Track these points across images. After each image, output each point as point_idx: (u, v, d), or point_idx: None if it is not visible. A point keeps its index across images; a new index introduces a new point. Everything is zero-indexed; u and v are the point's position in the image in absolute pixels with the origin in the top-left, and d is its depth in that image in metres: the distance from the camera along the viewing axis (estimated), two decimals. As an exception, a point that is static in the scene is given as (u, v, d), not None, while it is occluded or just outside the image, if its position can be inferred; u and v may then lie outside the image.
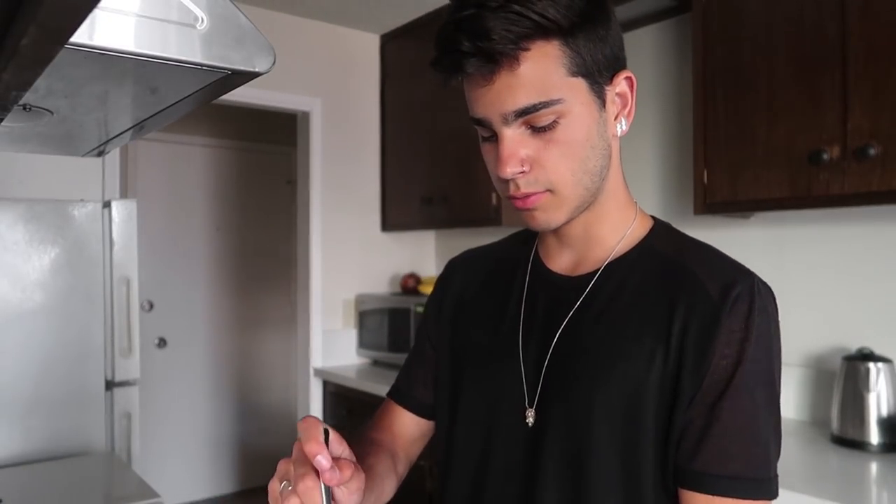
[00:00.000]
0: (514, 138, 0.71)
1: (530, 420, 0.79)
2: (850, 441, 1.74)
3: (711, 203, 1.93)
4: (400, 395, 0.96)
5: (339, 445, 0.67)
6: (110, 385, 2.24)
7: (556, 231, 0.80)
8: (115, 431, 2.25)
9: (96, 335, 2.19)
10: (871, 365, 1.74)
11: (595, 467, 0.73)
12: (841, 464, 1.66)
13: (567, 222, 0.77)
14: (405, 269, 3.46)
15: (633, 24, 2.46)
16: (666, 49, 2.42)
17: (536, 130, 0.71)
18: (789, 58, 1.76)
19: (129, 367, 2.28)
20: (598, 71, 0.72)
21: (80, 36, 0.64)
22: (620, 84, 0.75)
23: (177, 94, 0.86)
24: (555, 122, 0.70)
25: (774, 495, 0.70)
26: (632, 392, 0.72)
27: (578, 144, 0.72)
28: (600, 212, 0.79)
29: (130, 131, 1.13)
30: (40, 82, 0.76)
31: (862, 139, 1.61)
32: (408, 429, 0.94)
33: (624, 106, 0.76)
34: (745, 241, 2.17)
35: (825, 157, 1.67)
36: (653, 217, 0.84)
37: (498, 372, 0.83)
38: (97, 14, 0.65)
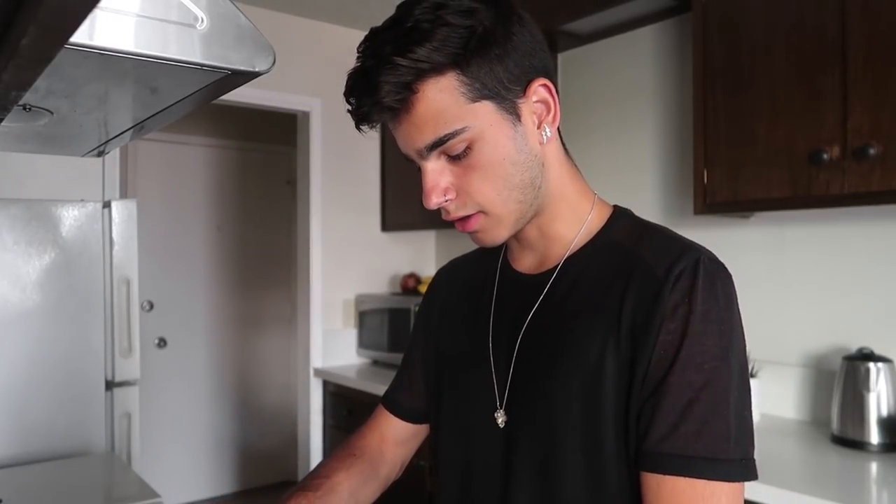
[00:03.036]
0: (434, 170, 0.74)
1: (500, 421, 0.80)
2: (850, 441, 1.74)
3: (711, 203, 1.93)
4: (388, 400, 1.01)
5: None
6: (110, 385, 2.24)
7: (516, 235, 0.81)
8: (115, 431, 2.24)
9: (96, 335, 2.19)
10: (871, 365, 1.74)
11: (561, 462, 0.74)
12: (841, 464, 1.66)
13: (518, 231, 0.79)
14: (405, 269, 3.46)
15: (633, 24, 2.46)
16: (666, 49, 2.42)
17: (453, 158, 0.73)
18: (789, 58, 1.76)
19: (129, 367, 2.27)
20: (505, 88, 0.72)
21: (80, 36, 0.64)
22: (537, 92, 0.74)
23: (177, 94, 0.86)
24: (467, 148, 0.72)
25: (738, 478, 0.66)
26: (590, 382, 0.72)
27: (496, 165, 0.73)
28: (551, 213, 0.80)
29: (130, 131, 1.13)
30: (40, 82, 0.76)
31: (862, 139, 1.61)
32: (395, 432, 0.99)
33: (547, 112, 0.75)
34: (745, 241, 2.17)
35: (825, 157, 1.67)
36: (614, 206, 0.84)
37: (471, 376, 0.85)
38: (97, 14, 0.65)
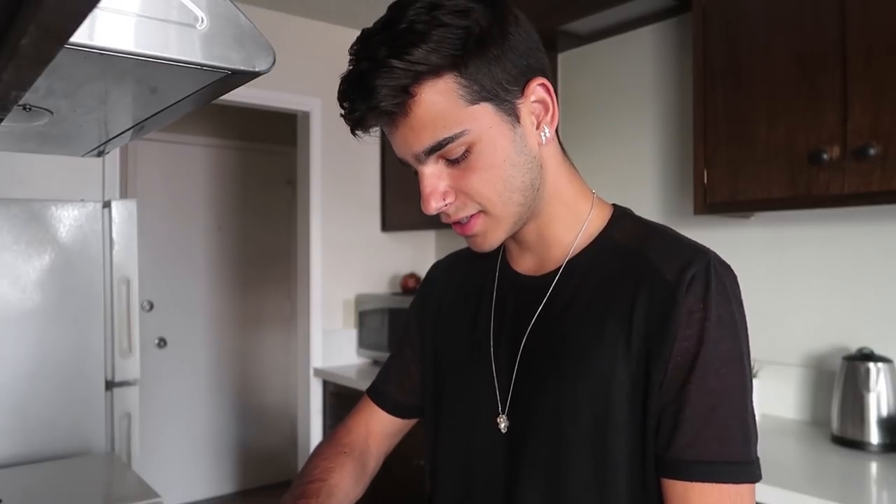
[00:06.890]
0: (432, 174, 0.72)
1: (503, 426, 0.79)
2: (850, 441, 1.74)
3: (711, 203, 1.93)
4: (377, 393, 0.99)
5: None
6: (110, 385, 2.24)
7: (514, 236, 0.80)
8: (115, 431, 2.24)
9: (96, 335, 2.18)
10: (871, 365, 1.74)
11: (569, 467, 0.73)
12: (841, 464, 1.66)
13: (515, 232, 0.78)
14: (405, 269, 3.46)
15: (633, 24, 2.46)
16: (666, 49, 2.42)
17: (451, 162, 0.72)
18: (789, 58, 1.75)
19: (129, 367, 2.27)
20: (503, 89, 0.70)
21: (80, 36, 0.64)
22: (535, 92, 0.73)
23: (177, 94, 0.86)
24: (467, 151, 0.71)
25: (756, 479, 0.69)
26: (598, 387, 0.72)
27: (497, 167, 0.71)
28: (549, 214, 0.79)
29: (130, 131, 1.13)
30: (40, 82, 0.76)
31: (862, 139, 1.61)
32: (381, 425, 0.98)
33: (545, 112, 0.74)
34: (745, 241, 2.17)
35: (825, 157, 1.67)
36: (613, 205, 0.83)
37: (472, 379, 0.84)
38: (97, 14, 0.65)
